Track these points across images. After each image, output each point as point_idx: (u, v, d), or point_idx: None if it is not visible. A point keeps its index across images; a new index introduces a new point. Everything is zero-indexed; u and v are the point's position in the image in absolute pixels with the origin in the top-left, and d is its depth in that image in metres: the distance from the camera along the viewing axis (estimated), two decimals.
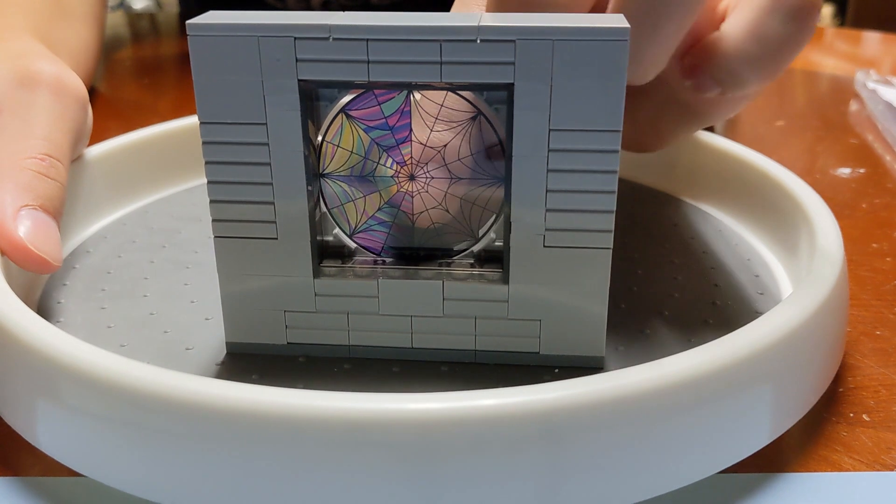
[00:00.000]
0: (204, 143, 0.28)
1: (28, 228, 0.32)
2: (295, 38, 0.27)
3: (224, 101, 0.28)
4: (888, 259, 0.43)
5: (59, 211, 0.35)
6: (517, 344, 0.30)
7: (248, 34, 0.27)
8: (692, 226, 0.42)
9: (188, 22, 0.27)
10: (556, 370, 0.30)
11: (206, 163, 0.29)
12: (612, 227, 0.28)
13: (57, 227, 0.34)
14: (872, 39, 1.02)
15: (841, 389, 0.32)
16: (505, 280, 0.29)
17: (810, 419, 0.30)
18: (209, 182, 0.29)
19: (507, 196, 0.28)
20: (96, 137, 0.44)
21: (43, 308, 0.35)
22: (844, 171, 0.55)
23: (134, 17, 1.16)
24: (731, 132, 0.65)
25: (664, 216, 0.43)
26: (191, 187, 0.48)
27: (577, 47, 0.26)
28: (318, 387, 0.29)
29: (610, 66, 0.26)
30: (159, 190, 0.47)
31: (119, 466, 0.25)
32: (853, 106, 0.71)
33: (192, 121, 0.48)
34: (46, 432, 0.27)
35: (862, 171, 0.55)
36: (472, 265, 0.30)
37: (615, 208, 0.28)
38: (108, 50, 0.93)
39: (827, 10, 2.49)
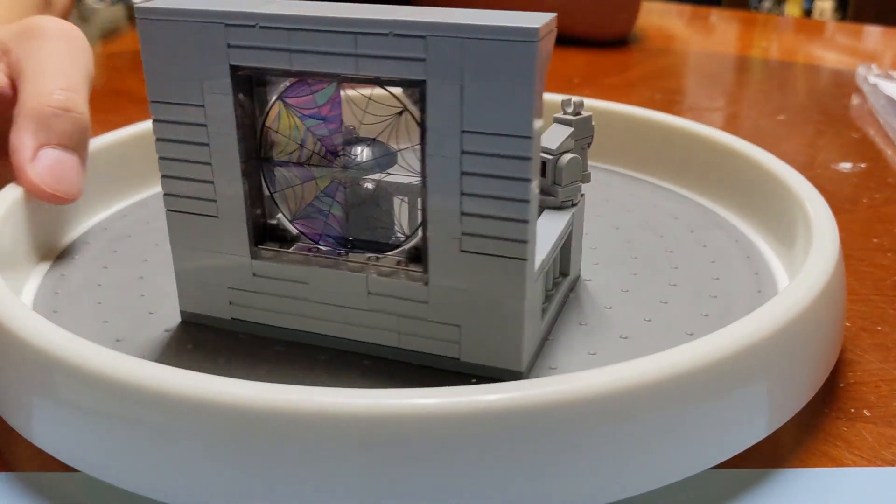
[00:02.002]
0: (154, 120, 0.29)
1: (45, 168, 0.35)
2: (226, 25, 0.27)
3: (168, 81, 0.29)
4: (889, 254, 0.42)
5: (82, 142, 0.37)
6: (438, 347, 0.29)
7: (187, 19, 0.28)
8: (692, 219, 0.42)
9: (136, 5, 0.28)
10: (474, 380, 0.29)
11: (157, 140, 0.30)
12: (529, 238, 0.27)
13: (78, 160, 0.36)
14: (873, 33, 1.02)
15: (841, 385, 0.32)
16: (426, 281, 0.29)
17: (810, 414, 0.30)
18: (160, 158, 0.30)
19: (423, 196, 0.28)
20: (97, 130, 0.44)
21: (40, 299, 0.35)
22: (845, 166, 0.55)
23: (134, 10, 1.15)
24: (731, 126, 0.65)
25: (664, 209, 0.43)
26: None
27: (485, 46, 0.25)
28: (242, 366, 0.30)
29: (518, 68, 0.25)
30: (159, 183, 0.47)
31: (113, 462, 0.25)
32: (854, 100, 0.71)
33: None
34: (41, 427, 0.27)
35: (863, 165, 0.55)
36: (399, 262, 0.30)
37: (532, 219, 0.27)
38: (107, 43, 0.92)
39: (828, 4, 2.48)
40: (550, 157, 0.33)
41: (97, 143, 0.43)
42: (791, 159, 0.42)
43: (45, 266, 0.38)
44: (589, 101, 0.50)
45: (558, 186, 0.33)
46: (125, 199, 0.45)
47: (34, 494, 0.26)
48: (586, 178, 0.35)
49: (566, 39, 0.88)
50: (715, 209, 0.43)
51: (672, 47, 0.93)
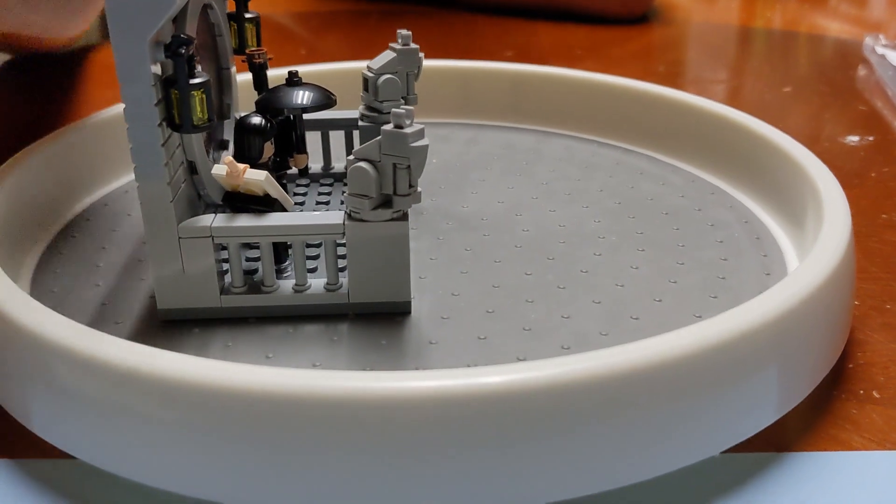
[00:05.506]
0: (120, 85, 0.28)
1: None
2: None
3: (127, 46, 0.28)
4: None
5: None
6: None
7: None
8: (699, 197, 0.41)
9: None
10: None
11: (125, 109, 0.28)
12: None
13: None
14: (880, 2, 1.00)
15: (850, 365, 0.31)
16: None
17: (818, 396, 0.29)
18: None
19: None
20: (99, 105, 0.43)
21: (39, 278, 0.35)
22: (853, 139, 0.54)
23: None
24: (737, 98, 0.64)
25: (673, 187, 0.43)
26: None
27: None
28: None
29: None
30: None
31: (110, 449, 0.25)
32: (861, 71, 0.70)
33: None
34: (39, 414, 0.26)
35: (871, 138, 0.54)
36: None
37: None
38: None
39: None
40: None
41: (101, 117, 0.43)
42: (797, 133, 0.42)
43: (44, 242, 0.38)
44: (592, 76, 0.50)
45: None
46: (128, 174, 0.44)
47: (31, 481, 0.26)
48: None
49: (581, 16, 0.87)
50: (723, 187, 0.43)
51: (675, 17, 0.92)
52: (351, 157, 0.30)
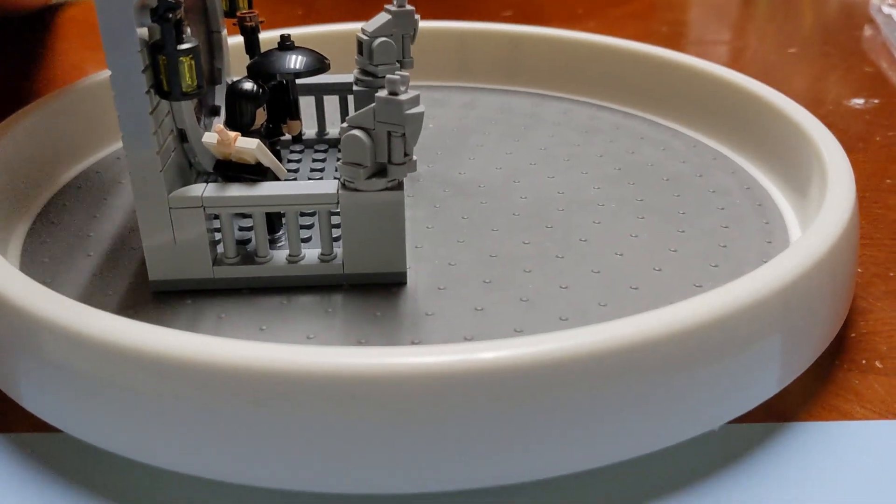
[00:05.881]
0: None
1: None
2: None
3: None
4: None
5: None
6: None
7: None
8: (701, 163, 0.41)
9: None
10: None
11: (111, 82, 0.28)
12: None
13: None
14: None
15: (853, 335, 0.31)
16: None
17: (820, 366, 0.29)
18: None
19: None
20: (83, 65, 0.42)
21: (29, 248, 0.34)
22: (858, 102, 0.53)
23: None
24: (740, 60, 0.63)
25: (674, 152, 0.42)
26: None
27: None
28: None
29: None
30: None
31: (97, 423, 0.25)
32: (867, 31, 0.68)
33: None
34: (27, 388, 0.26)
35: (876, 101, 0.53)
36: None
37: None
38: None
39: None
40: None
41: (90, 81, 0.42)
42: (802, 95, 0.41)
43: (34, 211, 0.37)
44: (592, 37, 0.49)
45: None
46: (119, 141, 0.43)
47: (19, 454, 0.26)
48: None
49: None
50: (725, 152, 0.42)
51: None
52: (344, 124, 0.29)
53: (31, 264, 0.33)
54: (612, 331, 0.23)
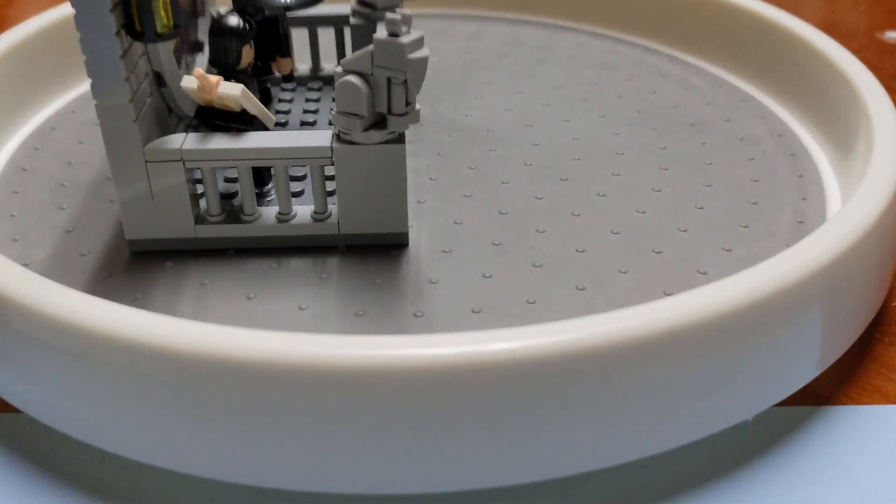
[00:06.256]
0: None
1: None
2: None
3: None
4: None
5: None
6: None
7: None
8: (728, 106, 0.38)
9: None
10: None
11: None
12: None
13: None
14: None
15: (894, 304, 0.28)
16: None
17: (861, 341, 0.26)
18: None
19: None
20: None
21: None
22: (893, 35, 0.49)
23: None
24: None
25: (698, 92, 0.39)
26: None
27: None
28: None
29: None
30: None
31: (57, 406, 0.22)
32: None
33: None
34: None
35: None
36: None
37: None
38: None
39: None
40: None
41: (58, 14, 0.38)
42: (831, 26, 0.37)
43: (6, 154, 0.34)
44: None
45: None
46: None
47: None
48: None
49: None
50: (753, 93, 0.39)
51: None
52: (338, 68, 0.26)
53: (0, 216, 0.30)
54: (638, 318, 0.21)
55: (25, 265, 0.28)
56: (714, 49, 0.41)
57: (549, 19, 0.46)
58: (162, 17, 0.25)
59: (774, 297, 0.22)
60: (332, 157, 0.27)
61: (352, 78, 0.26)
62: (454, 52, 0.43)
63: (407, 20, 0.25)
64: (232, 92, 0.27)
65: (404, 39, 0.25)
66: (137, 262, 0.28)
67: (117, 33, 0.25)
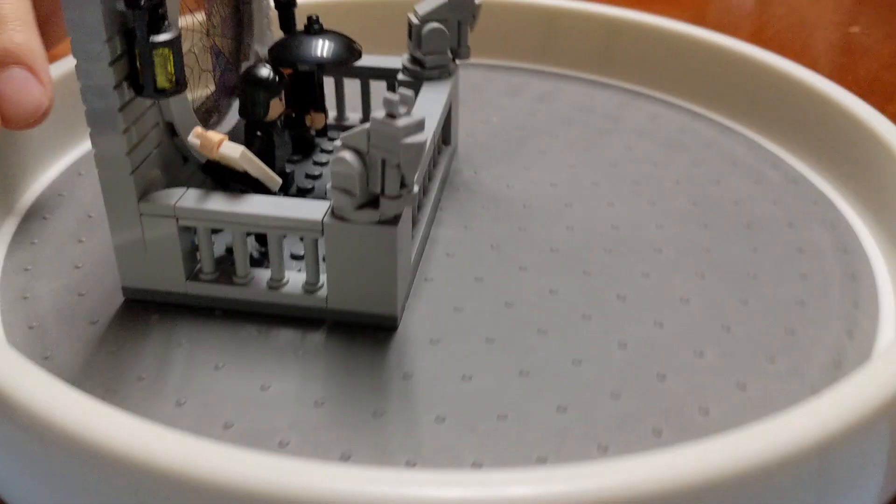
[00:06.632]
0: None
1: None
2: None
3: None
4: None
5: (28, 52, 0.30)
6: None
7: None
8: (797, 208, 0.34)
9: None
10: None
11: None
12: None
13: (29, 73, 0.29)
14: None
15: None
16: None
17: None
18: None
19: None
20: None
21: (16, 247, 0.31)
22: None
23: None
24: (786, 46, 0.53)
25: (768, 188, 0.35)
26: None
27: None
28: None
29: None
30: None
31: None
32: None
33: None
34: None
35: None
36: None
37: None
38: None
39: None
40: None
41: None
42: (871, 85, 0.33)
43: (50, 176, 0.35)
44: (703, 34, 0.42)
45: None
46: None
47: None
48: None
49: None
50: (831, 195, 0.35)
51: None
52: (338, 142, 0.25)
53: (15, 270, 0.30)
54: (614, 475, 0.18)
55: (25, 298, 0.28)
56: (798, 138, 0.37)
57: (626, 84, 0.43)
58: (162, 74, 0.25)
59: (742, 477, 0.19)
60: (322, 231, 0.26)
61: (346, 154, 0.25)
62: (518, 113, 0.41)
63: (407, 101, 0.24)
64: (232, 154, 0.26)
65: (400, 122, 0.23)
66: (127, 312, 0.28)
67: (117, 86, 0.25)
